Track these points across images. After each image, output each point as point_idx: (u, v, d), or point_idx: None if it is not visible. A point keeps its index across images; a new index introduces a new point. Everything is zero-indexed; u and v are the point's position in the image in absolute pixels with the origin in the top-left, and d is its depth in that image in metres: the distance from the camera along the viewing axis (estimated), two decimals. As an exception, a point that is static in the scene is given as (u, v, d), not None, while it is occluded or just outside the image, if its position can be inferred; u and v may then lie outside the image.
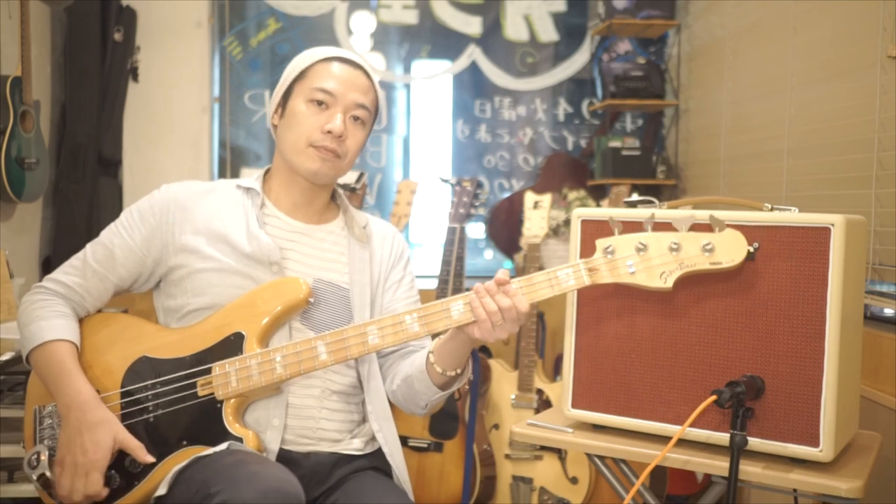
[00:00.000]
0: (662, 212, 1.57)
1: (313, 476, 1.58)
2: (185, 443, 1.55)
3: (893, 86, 2.30)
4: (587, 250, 1.66)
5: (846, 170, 2.54)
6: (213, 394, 1.55)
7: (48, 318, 1.62)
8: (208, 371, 1.57)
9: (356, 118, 1.68)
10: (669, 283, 1.43)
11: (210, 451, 1.51)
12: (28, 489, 2.52)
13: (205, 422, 1.55)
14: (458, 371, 1.62)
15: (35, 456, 1.57)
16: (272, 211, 1.70)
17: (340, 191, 1.81)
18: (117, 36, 3.79)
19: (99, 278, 1.66)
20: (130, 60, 3.89)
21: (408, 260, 1.83)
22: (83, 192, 3.70)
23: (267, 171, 1.76)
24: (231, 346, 1.57)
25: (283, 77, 1.72)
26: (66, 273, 1.69)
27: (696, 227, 1.44)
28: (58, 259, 3.65)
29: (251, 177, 1.75)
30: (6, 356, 2.14)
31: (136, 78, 3.94)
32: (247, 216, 1.66)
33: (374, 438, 1.68)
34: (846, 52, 2.57)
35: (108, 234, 1.69)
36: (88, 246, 1.70)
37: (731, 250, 1.41)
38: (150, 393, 1.58)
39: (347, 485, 1.60)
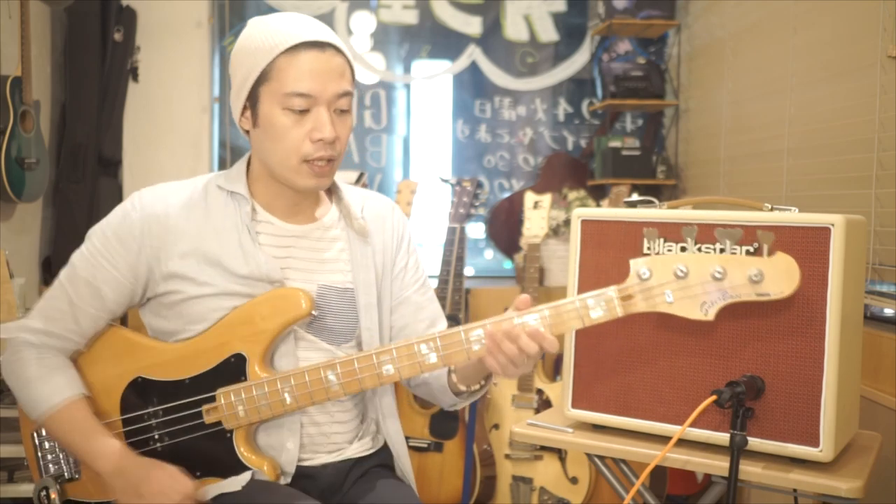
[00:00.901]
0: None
1: (331, 487, 1.55)
2: (198, 473, 1.48)
3: (893, 86, 2.30)
4: (587, 250, 1.66)
5: (846, 170, 2.54)
6: (220, 422, 1.47)
7: (45, 377, 1.48)
8: (212, 397, 1.48)
9: (341, 109, 1.48)
10: (711, 315, 1.31)
11: (232, 484, 1.45)
12: (28, 489, 2.52)
13: (216, 452, 1.48)
14: (482, 383, 1.57)
15: (44, 492, 1.51)
16: (264, 216, 1.53)
17: (335, 180, 1.64)
18: (117, 36, 3.79)
19: (92, 319, 1.51)
20: (130, 60, 3.89)
21: (409, 239, 1.69)
22: (83, 192, 3.70)
23: (248, 164, 1.57)
24: (232, 369, 1.47)
25: (240, 74, 1.47)
26: (54, 319, 1.50)
27: (743, 241, 1.36)
28: (58, 259, 3.66)
29: (232, 172, 1.56)
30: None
31: (136, 78, 3.94)
32: (238, 230, 1.50)
33: (377, 434, 1.67)
34: (846, 52, 2.57)
35: (87, 266, 1.50)
36: (66, 282, 1.51)
37: (780, 280, 1.27)
38: (154, 421, 1.50)
39: (357, 486, 1.58)
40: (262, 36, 1.45)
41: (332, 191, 1.64)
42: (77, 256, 1.52)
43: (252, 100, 1.47)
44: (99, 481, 1.49)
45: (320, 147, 1.45)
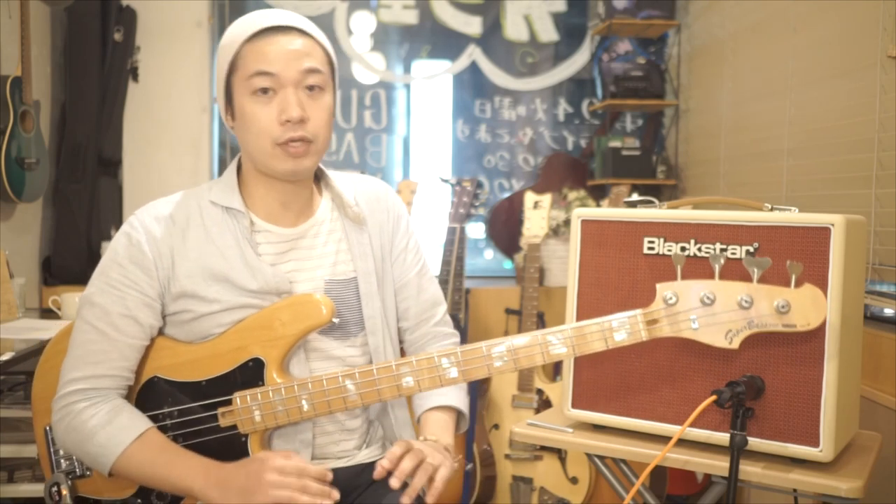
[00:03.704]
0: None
1: (341, 491, 1.52)
2: None
3: (893, 86, 2.30)
4: (587, 250, 1.66)
5: (846, 170, 2.54)
6: (235, 425, 1.47)
7: (109, 422, 1.43)
8: (228, 400, 1.47)
9: (311, 87, 1.44)
10: (736, 344, 1.32)
11: None
12: (28, 489, 2.52)
13: (231, 455, 1.46)
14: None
15: (55, 489, 1.50)
16: (261, 226, 1.52)
17: (322, 168, 1.61)
18: (117, 36, 3.79)
19: (138, 350, 1.48)
20: (130, 60, 3.90)
21: (407, 219, 1.67)
22: (83, 192, 3.70)
23: (239, 170, 1.56)
24: (250, 373, 1.46)
25: (218, 73, 1.49)
26: (99, 362, 1.45)
27: (769, 274, 1.34)
28: (58, 259, 3.66)
29: (222, 183, 1.53)
30: (6, 356, 2.14)
31: (136, 78, 3.94)
32: (240, 245, 1.48)
33: (384, 440, 1.65)
34: (846, 52, 2.57)
35: (115, 299, 1.45)
36: (98, 323, 1.45)
37: (807, 312, 1.28)
38: (169, 421, 1.49)
39: (367, 492, 1.59)
40: (230, 31, 1.47)
41: (322, 181, 1.62)
42: (98, 296, 1.46)
43: (228, 94, 1.47)
44: (111, 478, 1.47)
45: (289, 128, 1.43)
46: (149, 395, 1.50)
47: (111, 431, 1.42)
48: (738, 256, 1.51)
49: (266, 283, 1.47)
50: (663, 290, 1.36)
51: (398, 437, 1.63)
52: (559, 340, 1.39)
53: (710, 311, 1.33)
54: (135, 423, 1.45)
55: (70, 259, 3.63)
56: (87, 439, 1.43)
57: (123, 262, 1.46)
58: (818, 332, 1.44)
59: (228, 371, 1.47)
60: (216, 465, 1.43)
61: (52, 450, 1.56)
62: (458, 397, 1.65)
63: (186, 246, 1.47)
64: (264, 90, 1.42)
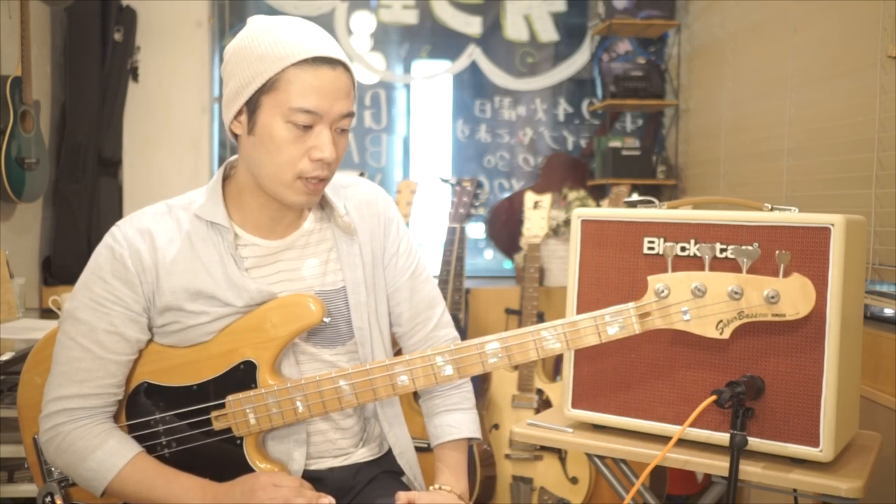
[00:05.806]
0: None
1: (339, 491, 1.54)
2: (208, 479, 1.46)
3: (893, 86, 2.30)
4: (587, 250, 1.66)
5: (846, 170, 2.54)
6: (230, 429, 1.45)
7: (99, 446, 1.42)
8: (221, 404, 1.45)
9: (342, 129, 1.44)
10: (727, 334, 1.33)
11: None
12: (28, 489, 2.52)
13: (226, 459, 1.46)
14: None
15: (49, 498, 1.50)
16: (246, 239, 1.49)
17: None
18: (117, 36, 3.79)
19: (125, 366, 1.46)
20: (130, 60, 3.90)
21: (398, 222, 1.63)
22: (83, 192, 3.70)
23: (225, 179, 1.52)
24: (242, 376, 1.45)
25: (240, 77, 1.40)
26: (85, 381, 1.42)
27: (759, 264, 1.36)
28: (58, 259, 3.67)
29: (207, 196, 1.49)
30: (6, 356, 2.13)
31: (136, 78, 3.94)
32: (224, 261, 1.45)
33: (381, 439, 1.66)
34: (846, 52, 2.57)
35: (100, 315, 1.42)
36: (83, 340, 1.42)
37: (796, 301, 1.30)
38: (161, 427, 1.47)
39: (364, 492, 1.58)
40: (270, 42, 1.38)
41: None
42: (82, 312, 1.43)
43: (251, 106, 1.40)
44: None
45: (318, 166, 1.41)
46: (139, 400, 1.49)
47: (101, 456, 1.41)
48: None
49: (251, 299, 1.45)
50: (655, 282, 1.37)
51: (388, 433, 1.63)
52: (553, 335, 1.40)
53: (701, 303, 1.34)
54: (125, 446, 1.44)
55: (70, 259, 3.63)
56: (78, 462, 1.42)
57: (107, 278, 1.43)
58: (818, 332, 1.44)
59: (220, 374, 1.46)
60: (212, 483, 1.43)
61: (41, 459, 1.54)
62: (472, 426, 1.65)
63: (170, 261, 1.44)
64: (303, 124, 1.38)
